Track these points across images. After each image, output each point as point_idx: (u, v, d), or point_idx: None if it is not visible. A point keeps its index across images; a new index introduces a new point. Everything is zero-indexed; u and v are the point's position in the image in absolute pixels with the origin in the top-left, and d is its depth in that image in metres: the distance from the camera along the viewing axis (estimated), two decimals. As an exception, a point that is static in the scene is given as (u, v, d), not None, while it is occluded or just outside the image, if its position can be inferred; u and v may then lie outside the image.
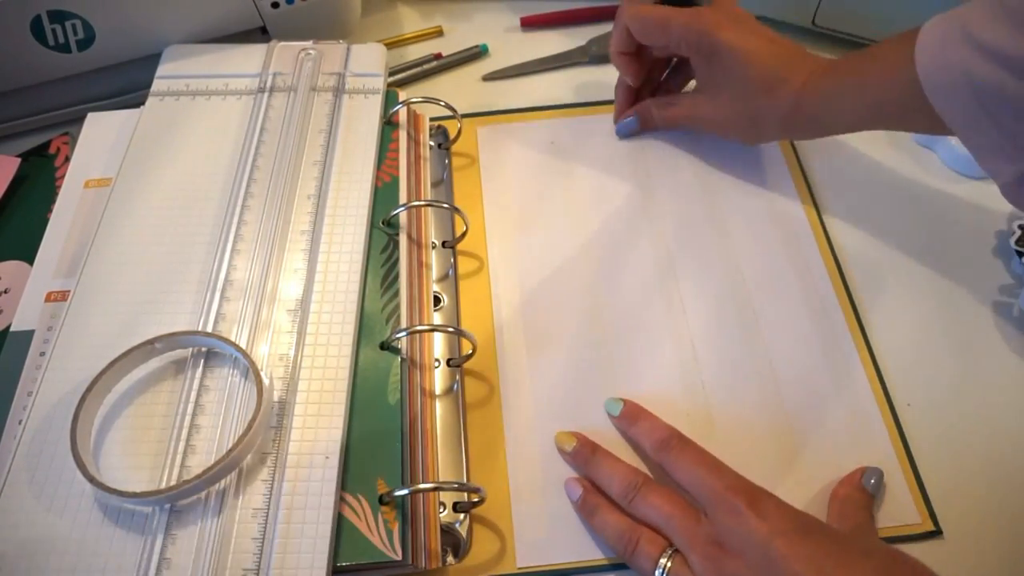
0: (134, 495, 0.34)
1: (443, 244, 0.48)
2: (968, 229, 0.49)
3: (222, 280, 0.41)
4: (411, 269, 0.44)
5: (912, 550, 0.33)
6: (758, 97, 0.46)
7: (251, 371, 0.37)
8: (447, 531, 0.38)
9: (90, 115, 0.51)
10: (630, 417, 0.41)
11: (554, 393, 0.43)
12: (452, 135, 0.53)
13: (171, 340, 0.38)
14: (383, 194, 0.46)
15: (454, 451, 0.40)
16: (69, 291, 0.42)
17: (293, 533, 0.34)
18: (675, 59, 0.53)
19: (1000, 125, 0.36)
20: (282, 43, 0.52)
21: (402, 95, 0.52)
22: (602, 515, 0.38)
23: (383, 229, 0.45)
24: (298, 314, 0.40)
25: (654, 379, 0.43)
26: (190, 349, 0.39)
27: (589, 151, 0.53)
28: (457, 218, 0.48)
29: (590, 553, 0.38)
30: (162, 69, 0.51)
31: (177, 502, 0.34)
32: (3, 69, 0.50)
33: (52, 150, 0.53)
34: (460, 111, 0.52)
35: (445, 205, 0.48)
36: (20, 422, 0.37)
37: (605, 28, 0.61)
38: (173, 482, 0.35)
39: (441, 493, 0.39)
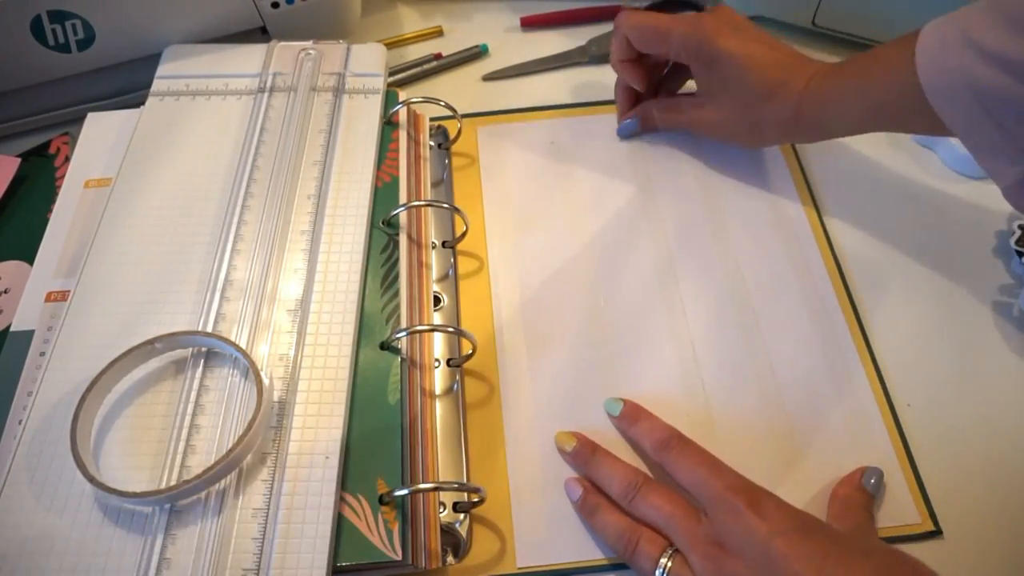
0: (134, 495, 0.34)
1: (443, 244, 0.48)
2: (968, 229, 0.49)
3: (222, 280, 0.41)
4: (411, 269, 0.44)
5: (912, 550, 0.33)
6: (759, 103, 0.46)
7: (251, 371, 0.37)
8: (447, 531, 0.38)
9: (90, 115, 0.51)
10: (630, 417, 0.41)
11: (554, 393, 0.43)
12: (452, 135, 0.53)
13: (171, 340, 0.38)
14: (383, 194, 0.46)
15: (454, 451, 0.40)
16: (69, 291, 0.42)
17: (293, 533, 0.34)
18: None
19: (1002, 127, 0.37)
20: (282, 43, 0.52)
21: (402, 95, 0.52)
22: (602, 515, 0.38)
23: (383, 229, 0.45)
24: (298, 314, 0.40)
25: (654, 379, 0.43)
26: (190, 349, 0.39)
27: (589, 151, 0.53)
28: (457, 218, 0.48)
29: (590, 553, 0.38)
30: (162, 69, 0.51)
31: (177, 502, 0.34)
32: (3, 69, 0.50)
33: (52, 150, 0.53)
34: (460, 111, 0.52)
35: (445, 205, 0.48)
36: (20, 422, 0.37)
37: (605, 28, 0.61)
38: (173, 482, 0.35)
39: (441, 493, 0.39)
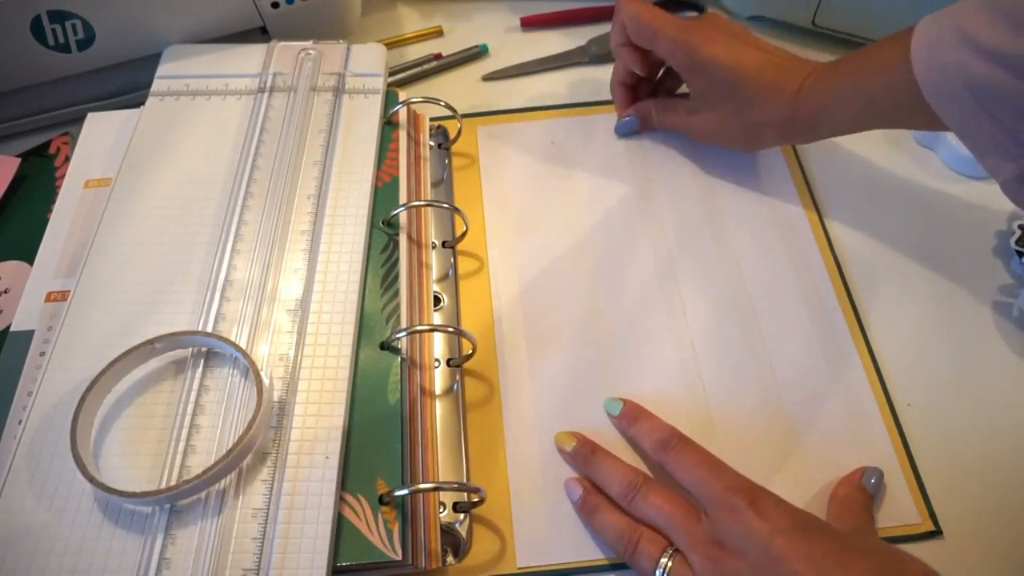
0: (134, 495, 0.34)
1: (443, 244, 0.48)
2: (968, 229, 0.49)
3: (222, 280, 0.41)
4: (411, 269, 0.44)
5: (912, 550, 0.33)
6: (754, 107, 0.46)
7: (251, 371, 0.37)
8: (447, 531, 0.38)
9: (90, 115, 0.51)
10: (630, 417, 0.41)
11: (554, 393, 0.43)
12: (452, 135, 0.53)
13: (171, 340, 0.38)
14: (383, 194, 0.46)
15: (454, 451, 0.40)
16: (69, 291, 0.42)
17: (293, 533, 0.34)
18: None
19: (999, 123, 0.37)
20: (282, 43, 0.52)
21: (402, 95, 0.52)
22: (602, 515, 0.38)
23: (383, 229, 0.45)
24: (298, 314, 0.40)
25: (654, 379, 0.43)
26: (190, 349, 0.39)
27: (589, 151, 0.53)
28: (457, 218, 0.48)
29: (590, 553, 0.38)
30: (162, 69, 0.51)
31: (177, 502, 0.34)
32: (3, 69, 0.50)
33: (52, 150, 0.53)
34: (460, 111, 0.52)
35: (445, 205, 0.48)
36: (20, 422, 0.37)
37: (605, 28, 0.60)
38: (173, 482, 0.35)
39: (441, 493, 0.39)
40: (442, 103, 0.51)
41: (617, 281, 0.47)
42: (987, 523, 0.39)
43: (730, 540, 0.34)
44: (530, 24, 0.62)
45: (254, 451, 0.36)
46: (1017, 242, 0.46)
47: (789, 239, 0.48)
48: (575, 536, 0.38)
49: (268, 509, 0.34)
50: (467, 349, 0.43)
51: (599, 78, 0.58)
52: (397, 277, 0.43)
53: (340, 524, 0.35)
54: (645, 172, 0.52)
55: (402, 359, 0.40)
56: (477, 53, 0.60)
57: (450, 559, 0.38)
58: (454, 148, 0.53)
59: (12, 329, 0.42)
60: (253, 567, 0.33)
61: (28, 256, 0.46)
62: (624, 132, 0.54)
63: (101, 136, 0.50)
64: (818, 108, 0.44)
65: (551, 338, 0.45)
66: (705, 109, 0.49)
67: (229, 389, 0.38)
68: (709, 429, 0.41)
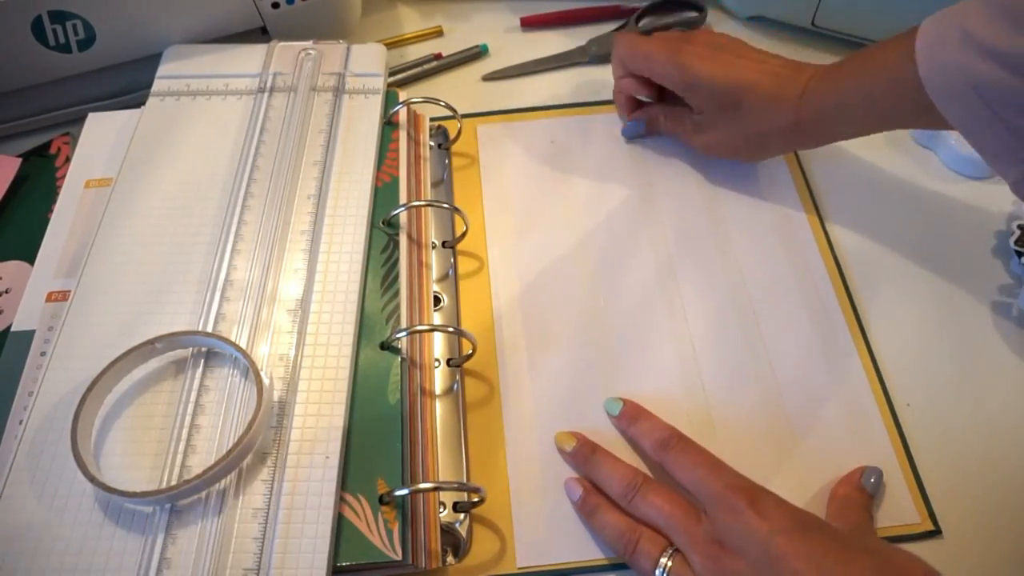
0: (135, 495, 0.34)
1: (443, 244, 0.48)
2: (968, 229, 0.49)
3: (222, 280, 0.41)
4: (411, 269, 0.44)
5: (912, 550, 0.33)
6: (756, 119, 0.46)
7: (251, 371, 0.37)
8: (447, 531, 0.38)
9: (91, 115, 0.51)
10: (630, 417, 0.41)
11: (554, 393, 0.43)
12: (452, 135, 0.53)
13: (171, 340, 0.38)
14: (383, 194, 0.46)
15: (454, 451, 0.41)
16: (70, 291, 0.42)
17: (293, 533, 0.34)
18: None
19: (1005, 123, 0.36)
20: (282, 43, 0.52)
21: (402, 95, 0.52)
22: (602, 515, 0.38)
23: (383, 229, 0.45)
24: (298, 314, 0.40)
25: (654, 379, 0.43)
26: (190, 349, 0.39)
27: (589, 151, 0.53)
28: (457, 218, 0.48)
29: (590, 553, 0.38)
30: (163, 69, 0.51)
31: (177, 502, 0.34)
32: (4, 69, 0.50)
33: (53, 150, 0.53)
34: (460, 111, 0.52)
35: (445, 205, 0.48)
36: (21, 422, 0.37)
37: (605, 28, 0.61)
38: (173, 482, 0.35)
39: (441, 493, 0.39)
40: (442, 103, 0.51)
41: (617, 281, 0.47)
42: (987, 523, 0.39)
43: (730, 539, 0.34)
44: (530, 24, 0.62)
45: (254, 451, 0.36)
46: (1016, 242, 0.46)
47: (789, 238, 0.48)
48: (575, 536, 0.38)
49: (268, 509, 0.34)
50: (467, 349, 0.43)
51: (599, 78, 0.58)
52: (397, 277, 0.43)
53: (340, 524, 0.35)
54: (645, 172, 0.52)
55: (402, 359, 0.40)
56: (477, 53, 0.60)
57: (450, 559, 0.38)
58: (454, 148, 0.53)
59: (13, 329, 0.42)
60: (253, 567, 0.33)
61: (29, 256, 0.46)
62: (631, 135, 0.53)
63: (102, 136, 0.50)
64: (822, 113, 0.44)
65: (551, 338, 0.45)
66: (708, 125, 0.49)
67: (229, 389, 0.38)
68: (709, 429, 0.41)
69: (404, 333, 0.40)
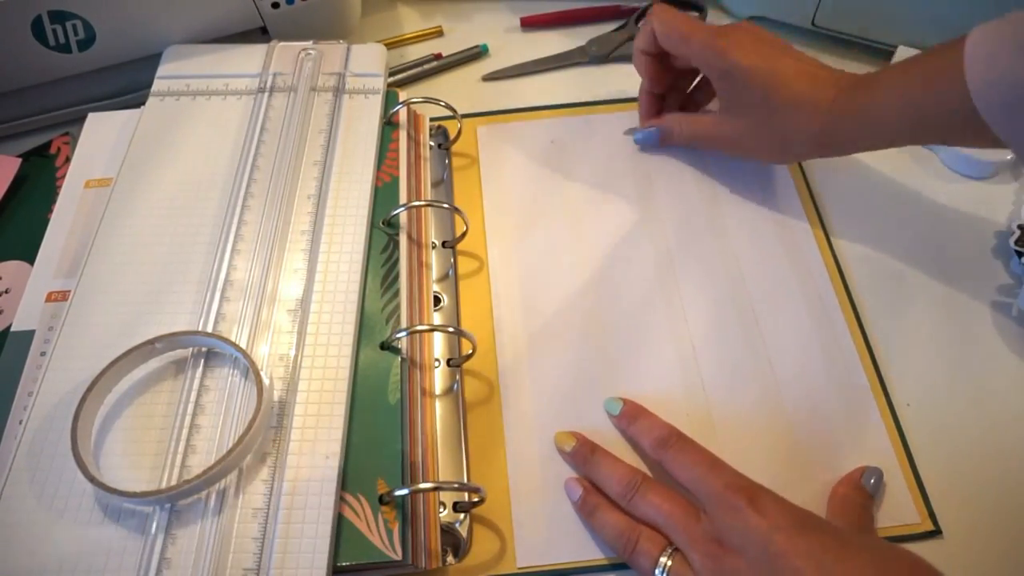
0: (134, 495, 0.34)
1: (443, 244, 0.48)
2: (968, 229, 0.49)
3: (222, 280, 0.41)
4: (411, 269, 0.44)
5: (911, 549, 0.33)
6: (786, 119, 0.45)
7: (251, 371, 0.37)
8: (447, 531, 0.38)
9: (91, 115, 0.51)
10: (630, 416, 0.41)
11: (554, 393, 0.43)
12: (452, 135, 0.53)
13: (171, 340, 0.38)
14: (383, 194, 0.46)
15: (454, 451, 0.41)
16: (70, 291, 0.42)
17: (293, 533, 0.34)
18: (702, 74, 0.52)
19: None
20: (282, 43, 0.52)
21: (402, 95, 0.52)
22: (602, 515, 0.38)
23: (383, 229, 0.45)
24: (298, 314, 0.40)
25: (654, 379, 0.43)
26: (190, 349, 0.39)
27: (589, 151, 0.53)
28: (457, 218, 0.48)
29: (590, 553, 0.38)
30: (162, 69, 0.51)
31: (177, 502, 0.34)
32: (4, 69, 0.50)
33: (53, 150, 0.53)
34: (460, 111, 0.52)
35: (445, 205, 0.48)
36: (21, 422, 0.37)
37: (605, 28, 0.61)
38: (173, 482, 0.35)
39: (441, 493, 0.39)
40: (442, 103, 0.51)
41: (617, 281, 0.47)
42: (986, 522, 0.39)
43: (729, 538, 0.34)
44: (530, 24, 0.62)
45: (254, 451, 0.36)
46: (1016, 242, 0.46)
47: (788, 238, 0.48)
48: (575, 536, 0.38)
49: (268, 509, 0.34)
50: (467, 349, 0.43)
51: (599, 78, 0.58)
52: (397, 277, 0.43)
53: (340, 524, 0.35)
54: (646, 172, 0.52)
55: (402, 359, 0.40)
56: (477, 53, 0.60)
57: (450, 559, 0.38)
58: (454, 148, 0.53)
59: (13, 329, 0.42)
60: (253, 567, 0.33)
61: (29, 256, 0.46)
62: (643, 142, 0.53)
63: (102, 136, 0.50)
64: (855, 121, 0.42)
65: (551, 338, 0.45)
66: (734, 118, 0.47)
67: (229, 389, 0.38)
68: (709, 429, 0.41)
69: (404, 333, 0.40)
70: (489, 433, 0.41)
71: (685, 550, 0.35)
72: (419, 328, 0.41)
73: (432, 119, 0.54)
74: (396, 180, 0.47)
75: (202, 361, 0.39)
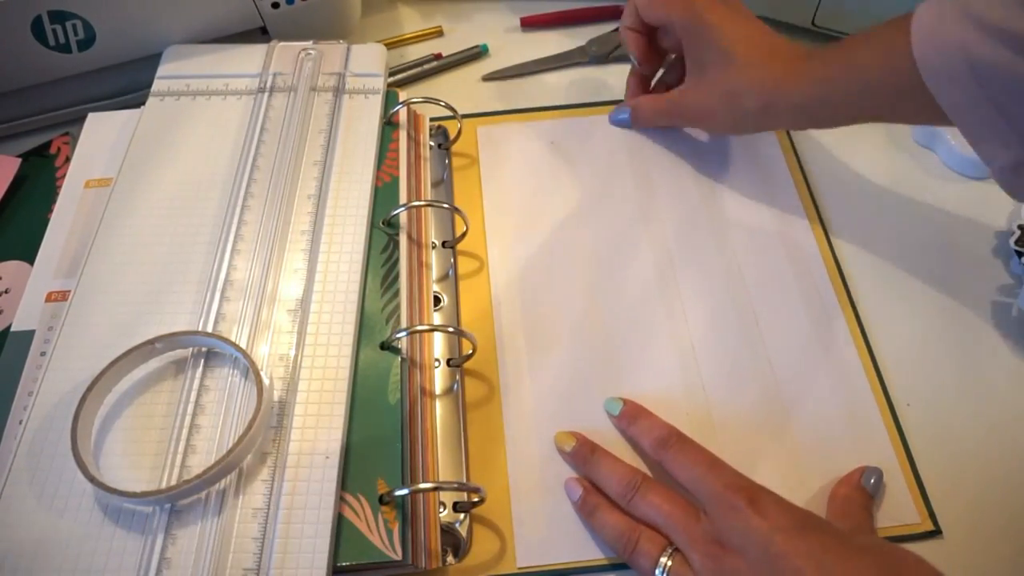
0: (134, 495, 0.34)
1: (443, 244, 0.48)
2: (968, 229, 0.49)
3: (222, 280, 0.41)
4: (411, 269, 0.44)
5: (912, 549, 0.33)
6: (737, 76, 0.45)
7: (251, 371, 0.37)
8: (447, 531, 0.38)
9: (91, 115, 0.51)
10: (630, 416, 0.41)
11: (554, 393, 0.43)
12: (452, 135, 0.53)
13: (171, 340, 0.38)
14: (383, 194, 0.46)
15: (454, 451, 0.41)
16: (69, 291, 0.42)
17: (293, 533, 0.34)
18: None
19: (1000, 107, 0.35)
20: (282, 43, 0.52)
21: (402, 95, 0.52)
22: (602, 515, 0.38)
23: (383, 229, 0.45)
24: (298, 314, 0.40)
25: (654, 379, 0.43)
26: (190, 349, 0.39)
27: (589, 151, 0.53)
28: (457, 218, 0.48)
29: (590, 553, 0.38)
30: (162, 69, 0.51)
31: (177, 502, 0.34)
32: (4, 69, 0.50)
33: (53, 150, 0.53)
34: (460, 111, 0.52)
35: (445, 205, 0.48)
36: (21, 422, 0.37)
37: (605, 28, 0.61)
38: (173, 482, 0.35)
39: (441, 493, 0.39)
40: (442, 103, 0.51)
41: (617, 281, 0.47)
42: (986, 522, 0.39)
43: (730, 538, 0.34)
44: (530, 24, 0.62)
45: (254, 451, 0.36)
46: (1017, 242, 0.46)
47: (789, 239, 0.48)
48: (575, 536, 0.38)
49: (268, 509, 0.34)
50: (467, 349, 0.43)
51: (599, 78, 0.58)
52: (397, 277, 0.43)
53: (340, 524, 0.35)
54: (645, 172, 0.52)
55: (402, 359, 0.40)
56: (477, 53, 0.60)
57: (450, 559, 0.38)
58: (454, 148, 0.53)
59: (13, 329, 0.42)
60: (253, 567, 0.33)
61: (29, 256, 0.46)
62: (616, 123, 0.54)
63: (102, 136, 0.50)
64: (806, 89, 0.43)
65: (551, 338, 0.45)
66: (696, 85, 0.49)
67: (229, 389, 0.38)
68: (709, 429, 0.41)
69: (404, 333, 0.40)
70: (489, 433, 0.41)
71: (685, 550, 0.35)
72: (419, 328, 0.41)
73: (432, 119, 0.54)
74: (396, 180, 0.47)
75: (202, 361, 0.38)
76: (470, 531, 0.38)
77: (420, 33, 0.61)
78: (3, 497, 0.35)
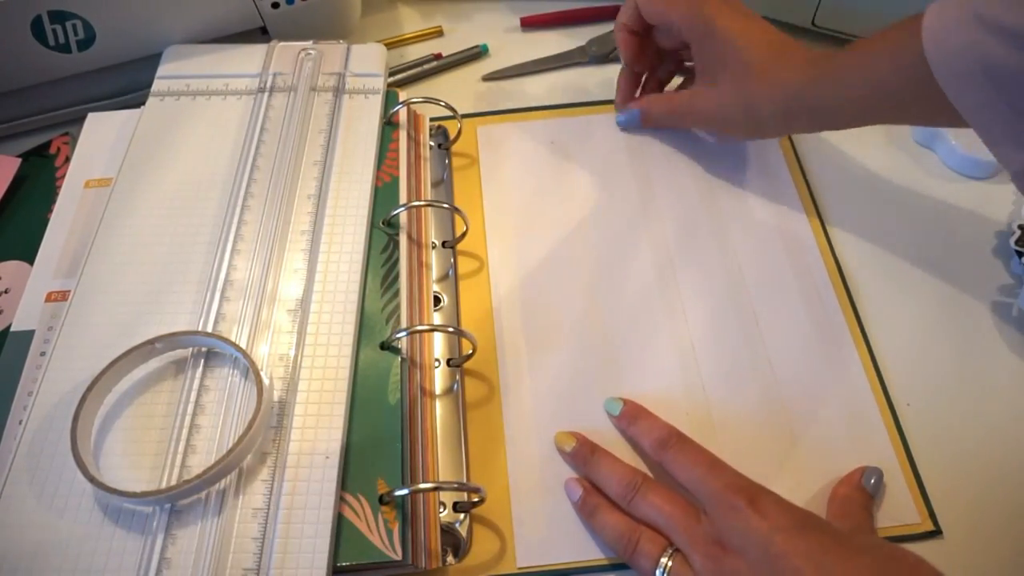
0: (134, 495, 0.34)
1: (443, 244, 0.48)
2: (968, 229, 0.49)
3: (222, 280, 0.41)
4: (411, 269, 0.44)
5: (912, 550, 0.33)
6: (755, 84, 0.45)
7: (251, 371, 0.37)
8: (447, 531, 0.38)
9: (90, 115, 0.51)
10: (630, 416, 0.41)
11: (554, 393, 0.43)
12: (452, 135, 0.53)
13: (171, 340, 0.38)
14: (383, 194, 0.46)
15: (454, 451, 0.41)
16: (69, 291, 0.42)
17: (293, 533, 0.34)
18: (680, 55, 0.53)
19: (1015, 109, 0.35)
20: (282, 43, 0.52)
21: (402, 95, 0.52)
22: (602, 515, 0.38)
23: (383, 229, 0.45)
24: (298, 314, 0.40)
25: (654, 379, 0.43)
26: (190, 349, 0.39)
27: (589, 151, 0.53)
28: (457, 218, 0.48)
29: (590, 553, 0.38)
30: (162, 69, 0.51)
31: (177, 502, 0.34)
32: (4, 69, 0.50)
33: (52, 150, 0.53)
34: (460, 111, 0.52)
35: (445, 205, 0.48)
36: (21, 422, 0.37)
37: (605, 28, 0.61)
38: (173, 482, 0.35)
39: (441, 493, 0.39)
40: (442, 103, 0.51)
41: (617, 281, 0.47)
42: (986, 522, 0.39)
43: (730, 539, 0.34)
44: (530, 24, 0.62)
45: (254, 451, 0.36)
46: (1017, 242, 0.46)
47: (789, 238, 0.48)
48: (575, 536, 0.38)
49: (268, 509, 0.34)
50: (467, 349, 0.43)
51: (599, 78, 0.58)
52: (397, 277, 0.43)
53: (340, 524, 0.35)
54: (645, 171, 0.52)
55: (402, 359, 0.40)
56: (477, 53, 0.60)
57: (450, 559, 0.38)
58: (454, 148, 0.53)
59: (12, 329, 0.42)
60: (253, 567, 0.33)
61: (28, 256, 0.46)
62: (625, 125, 0.53)
63: (101, 136, 0.50)
64: (820, 92, 0.43)
65: (551, 338, 0.45)
66: (708, 88, 0.48)
67: (229, 389, 0.38)
68: (709, 429, 0.41)
69: (404, 333, 0.40)
70: (489, 433, 0.41)
71: (685, 551, 0.35)
72: (419, 328, 0.41)
73: (432, 119, 0.54)
74: (396, 180, 0.47)
75: (202, 361, 0.38)
76: (470, 531, 0.38)
77: (420, 33, 0.61)
78: (3, 497, 0.35)
